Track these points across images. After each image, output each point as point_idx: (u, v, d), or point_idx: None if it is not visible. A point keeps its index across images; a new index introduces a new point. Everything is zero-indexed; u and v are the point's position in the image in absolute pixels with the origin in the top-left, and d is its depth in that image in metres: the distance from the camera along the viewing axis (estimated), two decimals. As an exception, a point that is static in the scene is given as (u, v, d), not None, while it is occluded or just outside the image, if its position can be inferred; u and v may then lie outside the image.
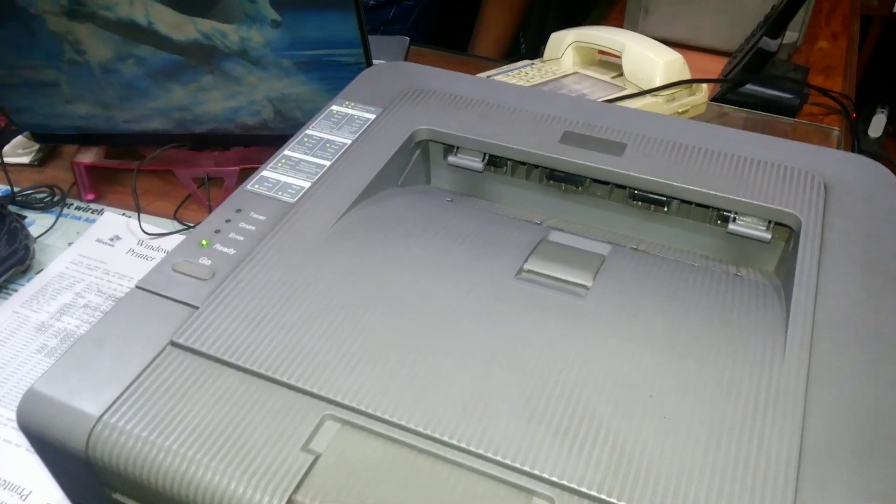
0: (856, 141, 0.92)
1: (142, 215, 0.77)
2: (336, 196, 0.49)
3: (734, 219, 0.49)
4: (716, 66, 0.93)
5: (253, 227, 0.47)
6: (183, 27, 0.69)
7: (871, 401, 0.37)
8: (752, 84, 0.84)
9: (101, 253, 0.75)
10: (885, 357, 0.39)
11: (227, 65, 0.71)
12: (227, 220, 0.48)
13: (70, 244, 0.77)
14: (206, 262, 0.45)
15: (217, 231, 0.47)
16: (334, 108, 0.57)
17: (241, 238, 0.46)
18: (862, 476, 0.34)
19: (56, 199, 0.81)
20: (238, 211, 0.48)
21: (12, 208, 0.77)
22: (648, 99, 0.75)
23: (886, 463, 0.34)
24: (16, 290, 0.71)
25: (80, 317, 0.69)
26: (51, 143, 0.87)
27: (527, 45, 1.33)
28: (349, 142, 0.54)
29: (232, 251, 0.45)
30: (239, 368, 0.38)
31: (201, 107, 0.75)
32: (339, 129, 0.55)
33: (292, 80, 0.71)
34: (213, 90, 0.73)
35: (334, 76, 0.70)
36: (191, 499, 0.35)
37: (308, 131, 0.55)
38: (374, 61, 0.69)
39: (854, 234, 0.46)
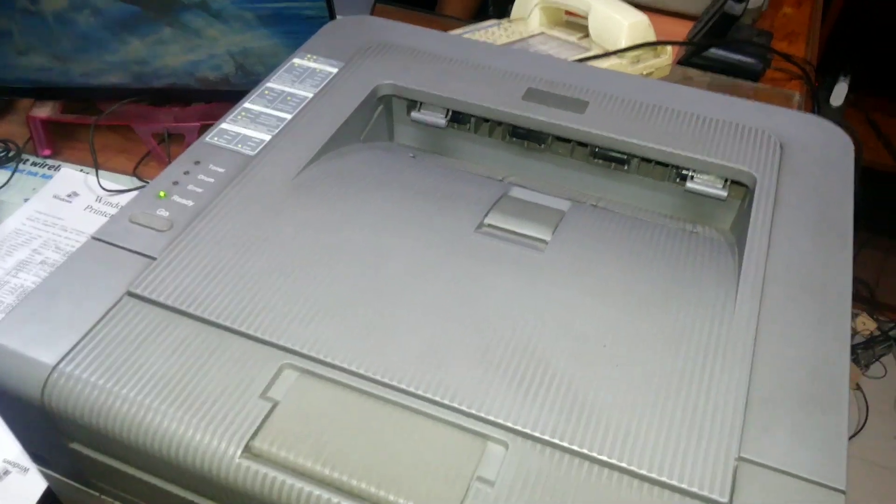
0: (816, 108, 0.94)
1: (100, 171, 0.76)
2: (297, 150, 0.49)
3: (692, 177, 0.50)
4: (681, 30, 0.94)
5: (212, 180, 0.47)
6: (140, -24, 0.67)
7: (815, 352, 0.38)
8: (717, 48, 0.85)
9: (59, 209, 0.74)
10: (831, 311, 0.40)
11: (187, 17, 0.70)
12: (186, 172, 0.47)
13: (26, 200, 0.75)
14: (163, 213, 0.44)
15: (175, 183, 0.46)
16: (296, 61, 0.56)
17: (200, 190, 0.46)
18: (804, 423, 0.35)
19: (11, 154, 0.79)
20: (196, 163, 0.48)
21: (-36, 163, 0.75)
22: (613, 60, 0.75)
23: (828, 410, 0.36)
24: (-31, 246, 0.70)
25: (37, 273, 0.68)
26: (4, 97, 0.85)
27: (494, 6, 1.32)
28: (311, 95, 0.53)
29: (190, 203, 0.45)
30: (196, 318, 0.38)
31: (160, 60, 0.73)
32: (301, 82, 0.54)
33: (254, 33, 0.70)
34: (173, 43, 0.72)
35: (297, 30, 0.69)
36: (148, 446, 0.35)
37: (269, 84, 0.54)
38: (339, 16, 0.68)
39: (807, 193, 0.47)
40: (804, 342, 0.39)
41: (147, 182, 0.75)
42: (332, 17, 0.68)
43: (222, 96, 0.76)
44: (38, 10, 0.70)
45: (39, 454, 0.42)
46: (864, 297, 1.65)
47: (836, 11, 1.78)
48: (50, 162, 0.79)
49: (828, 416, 0.36)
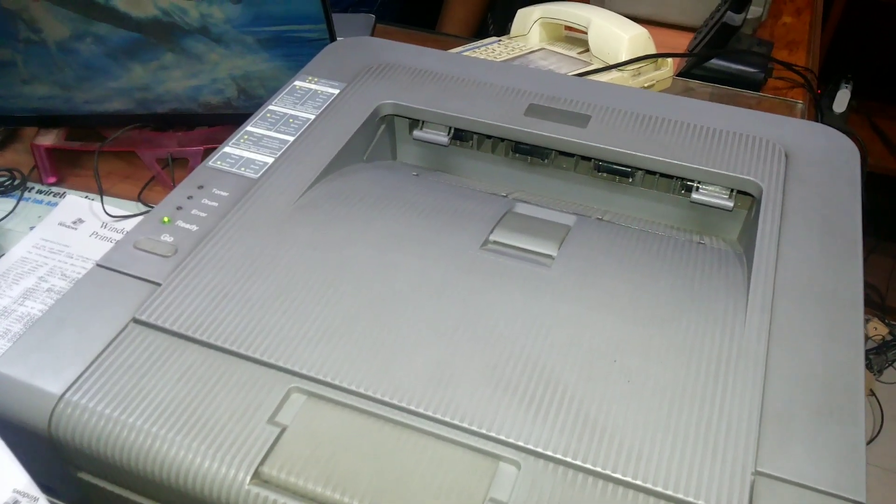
0: (820, 115, 0.94)
1: (105, 197, 0.76)
2: (300, 171, 0.49)
3: (697, 188, 0.49)
4: (681, 42, 0.94)
5: (215, 204, 0.47)
6: (141, 3, 0.68)
7: (829, 362, 0.38)
8: (717, 59, 0.85)
9: (64, 236, 0.74)
10: (842, 320, 0.40)
11: (189, 42, 0.70)
12: (189, 197, 0.47)
13: (32, 228, 0.75)
14: (168, 238, 0.44)
15: (179, 208, 0.46)
16: (297, 83, 0.56)
17: (204, 214, 0.46)
18: (821, 434, 0.35)
19: (16, 182, 0.79)
20: (200, 187, 0.48)
21: (-30, 193, 0.75)
22: (614, 74, 0.75)
23: (843, 421, 0.35)
24: (-24, 276, 0.70)
25: (44, 301, 0.68)
26: (9, 126, 0.85)
27: (495, 24, 1.33)
28: (313, 117, 0.53)
29: (194, 227, 0.45)
30: (203, 344, 0.38)
31: (163, 86, 0.74)
32: (303, 104, 0.54)
33: (255, 57, 0.70)
34: (175, 68, 0.72)
35: (298, 53, 0.69)
36: (157, 475, 0.34)
37: (271, 107, 0.54)
38: (339, 38, 0.68)
39: (814, 201, 0.47)
40: (817, 352, 0.38)
41: (152, 207, 0.76)
42: (332, 39, 0.68)
43: (225, 120, 0.76)
44: (41, 39, 0.71)
45: (48, 484, 0.42)
46: (875, 302, 1.64)
47: (835, 18, 1.78)
48: (55, 189, 0.80)
49: (844, 427, 0.35)
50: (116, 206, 0.76)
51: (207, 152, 0.77)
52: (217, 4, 0.67)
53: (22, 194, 0.78)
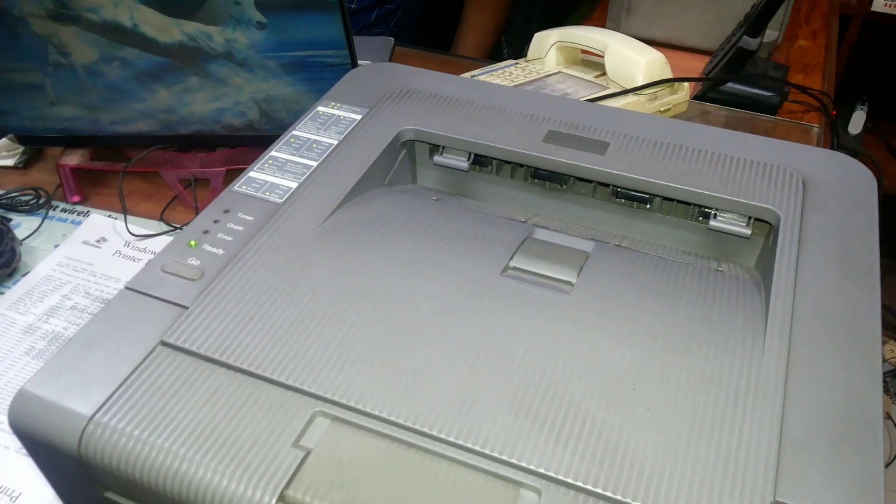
0: (835, 138, 0.94)
1: (128, 217, 0.77)
2: (323, 196, 0.49)
3: (715, 215, 0.50)
4: (697, 65, 0.95)
5: (241, 228, 0.48)
6: (168, 29, 0.69)
7: (848, 391, 0.38)
8: (733, 82, 0.86)
9: (88, 255, 0.75)
10: (861, 348, 0.40)
11: (213, 66, 0.72)
12: (216, 221, 0.48)
13: (56, 246, 0.76)
14: (194, 262, 0.45)
15: (205, 231, 0.47)
16: (320, 108, 0.58)
17: (230, 238, 0.47)
18: (840, 464, 0.35)
19: (41, 201, 0.81)
20: (226, 212, 0.49)
21: (-3, 211, 0.77)
22: (631, 98, 0.76)
23: (863, 451, 0.35)
24: (2, 293, 0.71)
25: (68, 318, 0.69)
26: (35, 146, 0.87)
27: (508, 47, 1.34)
28: (335, 142, 0.54)
29: (220, 251, 0.46)
30: (229, 367, 0.39)
31: (187, 108, 0.75)
32: (326, 129, 0.55)
33: (278, 81, 0.72)
34: (199, 91, 0.74)
35: (320, 77, 0.71)
36: (183, 496, 0.35)
37: (294, 132, 0.55)
38: (360, 62, 0.69)
39: (831, 229, 0.47)
40: (835, 381, 0.38)
41: (174, 226, 0.77)
42: (354, 64, 0.69)
43: (247, 141, 0.78)
44: (69, 63, 0.73)
45: (73, 502, 0.43)
46: (892, 325, 1.63)
47: (851, 40, 1.78)
48: (79, 208, 0.81)
49: (863, 456, 0.35)
50: (139, 226, 0.77)
51: (229, 173, 0.79)
52: (242, 30, 0.68)
53: (47, 213, 0.80)
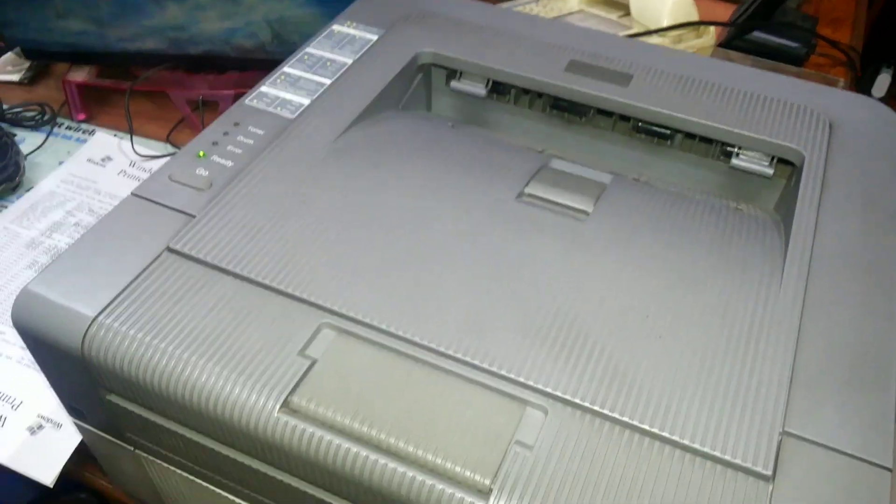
0: (858, 97, 0.92)
1: (134, 137, 0.76)
2: (336, 114, 0.48)
3: (737, 153, 0.48)
4: (725, 12, 0.92)
5: (251, 141, 0.46)
6: (181, -60, 0.67)
7: (863, 332, 0.37)
8: (760, 31, 0.83)
9: (93, 173, 0.74)
10: (878, 291, 0.39)
11: (226, -17, 0.69)
12: (225, 133, 0.47)
13: (61, 163, 0.75)
14: (203, 172, 0.44)
15: (214, 143, 0.46)
16: (336, 27, 0.56)
17: (239, 151, 0.46)
18: (850, 400, 0.34)
19: (46, 117, 0.80)
20: (236, 125, 0.48)
21: (2, 125, 0.75)
22: (655, 39, 0.74)
23: (874, 391, 0.35)
24: (5, 207, 0.71)
25: (71, 235, 0.68)
26: (42, 61, 0.85)
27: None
28: (350, 61, 0.53)
29: (230, 163, 0.45)
30: (236, 276, 0.38)
31: (197, 26, 0.73)
32: (341, 48, 0.54)
33: (292, 1, 0.70)
34: (210, 9, 0.72)
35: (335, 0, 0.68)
36: (186, 400, 0.35)
37: (308, 49, 0.54)
38: (378, -15, 0.67)
39: (856, 173, 0.46)
40: (852, 321, 0.38)
41: (180, 148, 0.76)
42: (371, -15, 0.67)
43: (257, 65, 0.76)
44: (78, -28, 0.70)
45: (76, 406, 0.43)
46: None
47: (881, 2, 1.73)
48: (84, 126, 0.80)
49: (874, 395, 0.35)
50: (145, 146, 0.76)
51: (238, 97, 0.77)
52: (257, -55, 0.66)
53: (52, 129, 0.79)
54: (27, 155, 0.75)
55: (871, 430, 0.33)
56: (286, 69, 0.52)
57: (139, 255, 0.39)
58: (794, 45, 0.83)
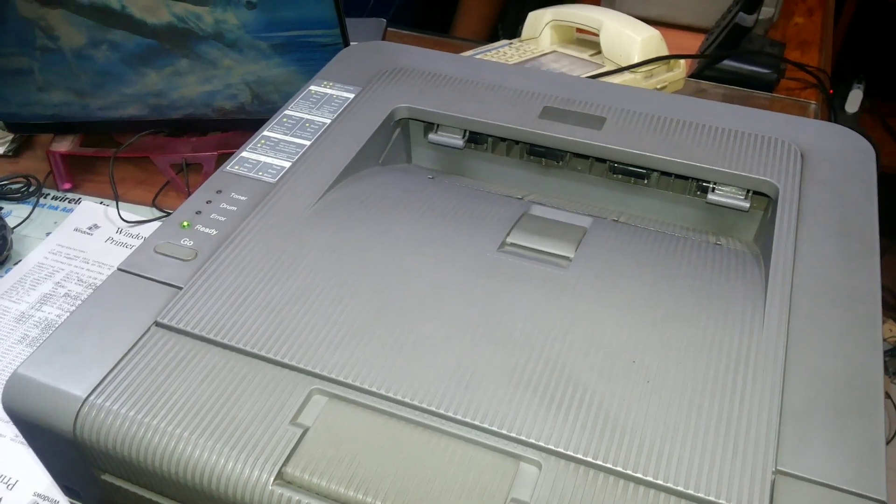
0: (832, 116, 0.93)
1: (120, 203, 0.77)
2: (317, 175, 0.49)
3: (713, 189, 0.49)
4: (693, 43, 0.94)
5: (234, 208, 0.47)
6: (157, 10, 0.68)
7: (847, 360, 0.38)
8: (729, 59, 0.85)
9: (80, 242, 0.75)
10: (860, 319, 0.40)
11: (203, 48, 0.71)
12: (208, 202, 0.47)
13: (48, 234, 0.76)
14: (188, 242, 0.45)
15: (198, 212, 0.47)
16: (313, 88, 0.57)
17: (223, 218, 0.46)
18: (841, 433, 0.35)
19: (32, 189, 0.80)
20: (218, 192, 0.48)
21: (-12, 199, 0.76)
22: (627, 76, 0.76)
23: (862, 419, 0.35)
24: (-6, 281, 0.71)
25: (61, 306, 0.68)
26: (25, 133, 0.86)
27: (504, 28, 1.33)
28: (329, 121, 0.53)
29: (214, 231, 0.45)
30: (225, 346, 0.38)
31: (177, 91, 0.74)
32: (319, 108, 0.55)
33: (269, 62, 0.71)
34: (189, 74, 0.73)
35: (311, 57, 0.70)
36: (181, 476, 0.35)
37: (287, 112, 0.55)
38: (351, 42, 0.69)
39: (830, 201, 0.47)
40: (836, 351, 0.38)
41: (167, 212, 0.76)
42: (346, 44, 0.68)
43: (239, 125, 0.77)
44: (57, 47, 0.72)
45: (70, 486, 0.42)
46: (889, 304, 1.63)
47: (847, 18, 1.77)
48: (70, 195, 0.80)
49: (864, 426, 0.35)
50: (131, 212, 0.77)
51: (221, 157, 0.78)
52: (232, 10, 0.67)
53: (38, 201, 0.79)
54: (14, 228, 0.75)
55: (862, 461, 0.33)
56: (266, 133, 0.53)
57: (127, 331, 0.40)
58: (764, 71, 0.84)
